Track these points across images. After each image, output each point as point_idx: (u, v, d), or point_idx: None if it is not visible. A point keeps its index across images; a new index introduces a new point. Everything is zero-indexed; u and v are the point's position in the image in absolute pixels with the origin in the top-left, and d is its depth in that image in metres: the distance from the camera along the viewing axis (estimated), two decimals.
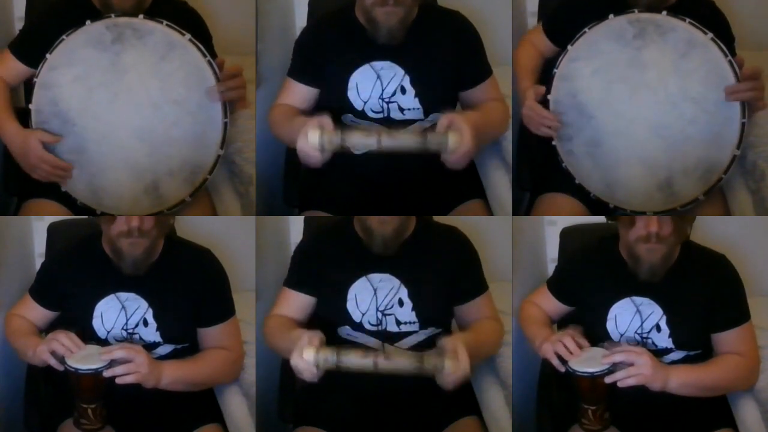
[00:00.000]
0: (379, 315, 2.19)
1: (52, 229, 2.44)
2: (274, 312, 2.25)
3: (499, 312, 2.30)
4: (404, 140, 2.12)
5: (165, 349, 2.20)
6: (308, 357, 2.02)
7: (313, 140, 2.10)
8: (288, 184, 2.53)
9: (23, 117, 2.28)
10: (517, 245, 2.41)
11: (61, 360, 2.06)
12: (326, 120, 2.11)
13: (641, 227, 2.09)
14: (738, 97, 2.21)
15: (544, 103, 2.31)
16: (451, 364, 2.01)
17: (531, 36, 2.46)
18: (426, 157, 2.31)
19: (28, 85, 2.30)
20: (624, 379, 2.04)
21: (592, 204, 2.35)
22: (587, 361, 2.08)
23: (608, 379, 2.05)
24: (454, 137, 2.11)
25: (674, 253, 2.14)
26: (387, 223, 2.18)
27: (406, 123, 2.30)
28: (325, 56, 2.31)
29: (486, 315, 2.25)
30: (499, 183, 2.41)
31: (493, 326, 2.25)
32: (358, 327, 2.20)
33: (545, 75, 2.37)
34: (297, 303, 2.24)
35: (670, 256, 2.12)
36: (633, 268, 2.14)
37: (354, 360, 2.02)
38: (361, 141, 2.11)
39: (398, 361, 2.03)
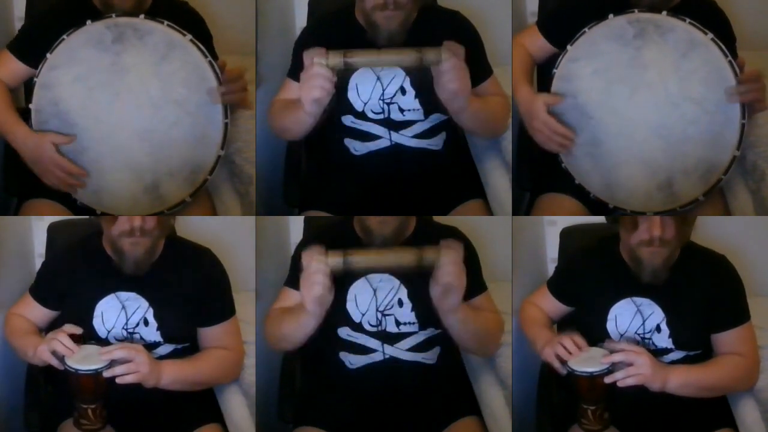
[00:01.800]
0: (379, 315, 2.19)
1: (52, 229, 2.44)
2: (274, 307, 2.24)
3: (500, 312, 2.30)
4: (401, 54, 2.14)
5: (165, 348, 2.20)
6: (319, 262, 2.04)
7: (320, 63, 2.10)
8: (288, 184, 2.53)
9: (23, 117, 2.27)
10: (517, 245, 2.41)
11: (62, 360, 2.07)
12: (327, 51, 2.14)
13: (644, 231, 2.09)
14: (739, 98, 2.21)
15: None
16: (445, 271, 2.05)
17: (522, 38, 2.42)
18: (426, 157, 2.33)
19: (28, 85, 2.29)
20: (623, 379, 2.04)
21: (592, 204, 2.34)
22: (586, 361, 2.08)
23: (608, 379, 2.05)
24: (447, 51, 2.12)
25: (675, 254, 2.14)
26: (387, 223, 2.18)
27: (406, 124, 2.31)
28: None
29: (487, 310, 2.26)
30: (499, 183, 2.41)
31: (493, 319, 2.25)
32: (358, 327, 2.19)
33: (544, 76, 2.37)
34: (298, 302, 2.23)
35: (671, 258, 2.12)
36: (635, 271, 2.14)
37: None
38: (362, 59, 2.13)
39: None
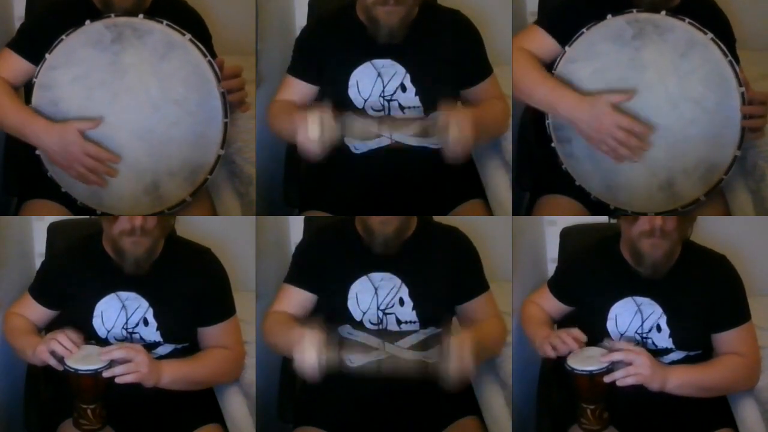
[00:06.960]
0: (380, 314, 2.19)
1: (52, 229, 2.44)
2: (274, 308, 2.25)
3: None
4: (404, 132, 2.12)
5: (165, 348, 2.20)
6: (311, 358, 2.02)
7: (314, 132, 2.10)
8: (288, 184, 2.53)
9: None
10: (517, 245, 2.41)
11: (61, 360, 2.06)
12: (326, 111, 2.12)
13: (645, 222, 2.10)
14: (742, 122, 2.22)
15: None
16: (455, 366, 2.01)
17: (522, 42, 2.33)
18: (426, 157, 2.32)
19: (28, 86, 2.28)
20: (622, 378, 2.04)
21: (593, 206, 2.34)
22: (586, 360, 2.08)
23: (607, 378, 2.04)
24: (455, 130, 2.11)
25: (676, 251, 2.14)
26: (388, 223, 2.18)
27: (406, 121, 2.30)
28: (325, 53, 2.32)
29: (488, 314, 2.26)
30: (499, 183, 2.41)
31: (496, 325, 2.25)
32: (359, 326, 2.20)
33: None
34: (298, 299, 2.24)
35: (672, 254, 2.13)
36: (635, 265, 2.14)
37: (358, 358, 2.02)
38: (360, 131, 2.10)
39: (402, 362, 2.03)
